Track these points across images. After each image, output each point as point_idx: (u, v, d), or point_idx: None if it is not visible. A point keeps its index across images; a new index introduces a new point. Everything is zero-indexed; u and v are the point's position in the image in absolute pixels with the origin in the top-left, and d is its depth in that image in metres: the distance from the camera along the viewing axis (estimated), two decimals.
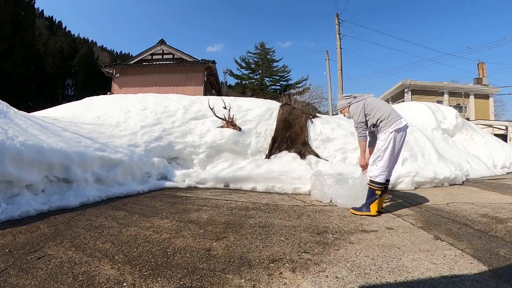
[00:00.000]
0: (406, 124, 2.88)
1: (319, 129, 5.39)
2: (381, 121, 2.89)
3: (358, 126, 2.97)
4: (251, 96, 22.06)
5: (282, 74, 29.33)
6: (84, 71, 41.91)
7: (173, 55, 17.37)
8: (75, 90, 43.10)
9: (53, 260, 1.57)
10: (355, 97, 3.14)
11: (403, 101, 20.26)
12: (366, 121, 2.96)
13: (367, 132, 2.99)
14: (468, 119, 17.45)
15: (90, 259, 1.59)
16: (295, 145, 5.19)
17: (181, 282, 1.40)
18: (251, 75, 29.46)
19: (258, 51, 29.59)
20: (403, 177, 4.54)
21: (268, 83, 29.05)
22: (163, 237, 1.99)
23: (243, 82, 30.61)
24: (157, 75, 15.93)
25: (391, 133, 2.80)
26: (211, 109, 5.28)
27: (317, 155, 5.05)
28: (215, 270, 1.54)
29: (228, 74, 30.29)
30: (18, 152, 2.49)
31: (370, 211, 2.78)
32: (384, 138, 2.83)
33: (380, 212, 2.82)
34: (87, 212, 2.57)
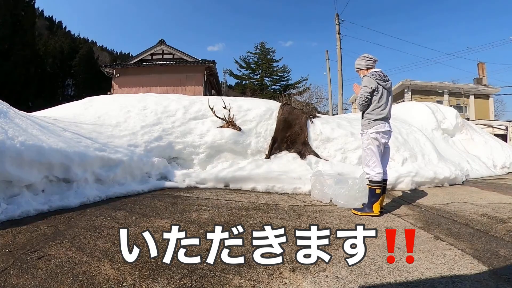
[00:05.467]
0: (389, 130, 2.98)
1: (319, 129, 5.38)
2: (370, 114, 2.94)
3: (361, 96, 2.96)
4: (251, 96, 22.05)
5: (282, 74, 29.38)
6: (84, 71, 41.88)
7: (173, 55, 17.38)
8: (75, 90, 43.07)
9: (53, 260, 1.57)
10: (375, 61, 3.06)
11: (403, 101, 20.25)
12: (370, 99, 2.95)
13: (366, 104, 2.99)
14: (468, 119, 17.44)
15: (90, 259, 1.59)
16: (295, 145, 5.19)
17: (181, 282, 1.40)
18: (251, 75, 29.48)
19: (258, 51, 29.62)
20: (403, 177, 4.54)
21: (268, 83, 29.07)
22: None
23: (243, 82, 30.63)
24: (157, 75, 15.94)
25: (371, 133, 2.92)
26: (211, 109, 5.28)
27: (317, 155, 5.05)
28: (215, 270, 1.54)
29: (228, 74, 30.36)
30: (18, 152, 2.48)
31: (372, 211, 2.79)
32: (366, 138, 2.96)
33: (380, 212, 2.83)
34: (87, 212, 2.57)
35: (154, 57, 17.35)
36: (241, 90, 29.83)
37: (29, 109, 6.07)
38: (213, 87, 19.93)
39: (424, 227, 2.46)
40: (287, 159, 4.93)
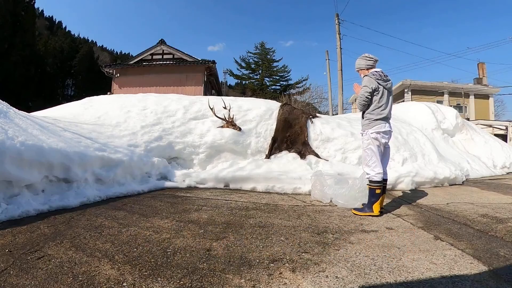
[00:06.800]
0: (389, 130, 2.98)
1: (319, 129, 5.38)
2: (370, 113, 2.94)
3: (361, 96, 2.95)
4: (251, 96, 22.06)
5: (282, 74, 29.38)
6: (84, 71, 41.92)
7: (173, 55, 17.38)
8: (75, 90, 43.14)
9: (53, 260, 1.57)
10: (376, 61, 3.06)
11: (403, 101, 20.25)
12: (370, 99, 2.95)
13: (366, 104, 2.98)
14: (468, 119, 17.45)
15: (90, 259, 1.59)
16: (295, 145, 5.19)
17: (181, 282, 1.40)
18: (251, 75, 29.48)
19: (258, 51, 29.62)
20: (403, 177, 4.54)
21: (268, 83, 29.06)
22: (163, 237, 1.99)
23: (243, 82, 30.63)
24: (157, 75, 15.95)
25: (371, 133, 2.92)
26: (211, 109, 5.28)
27: (317, 155, 5.05)
28: (215, 270, 1.54)
29: (228, 74, 30.35)
30: (18, 152, 2.48)
31: (372, 211, 2.79)
32: (366, 138, 2.96)
33: (380, 212, 2.83)
34: (87, 212, 2.57)
35: (154, 57, 17.35)
36: (241, 90, 29.84)
37: (29, 109, 6.07)
38: (213, 87, 19.93)
39: (424, 227, 2.46)
40: (287, 159, 4.93)
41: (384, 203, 3.06)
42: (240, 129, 5.10)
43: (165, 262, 1.61)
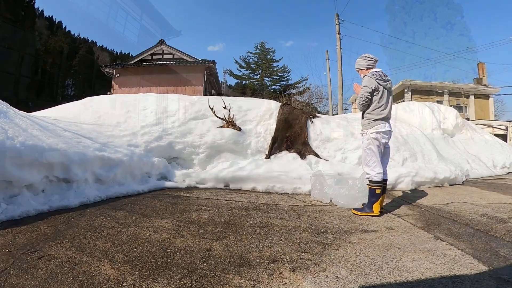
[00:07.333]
0: (389, 130, 2.97)
1: (319, 129, 5.39)
2: (370, 114, 2.94)
3: (361, 96, 2.95)
4: (251, 96, 22.04)
5: (282, 74, 29.43)
6: (84, 71, 41.90)
7: (173, 55, 17.38)
8: (75, 90, 43.08)
9: (53, 260, 1.57)
10: (376, 61, 3.06)
11: (403, 101, 20.22)
12: (370, 99, 2.94)
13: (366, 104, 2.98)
14: (468, 119, 17.45)
15: (90, 259, 1.59)
16: (295, 145, 5.19)
17: (181, 282, 1.40)
18: (251, 75, 29.54)
19: (258, 51, 29.67)
20: (403, 177, 4.54)
21: (268, 83, 29.11)
22: (163, 237, 1.99)
23: (243, 82, 30.67)
24: (157, 75, 15.95)
25: (371, 133, 2.92)
26: (211, 109, 5.28)
27: (317, 155, 5.05)
28: (215, 270, 1.54)
29: (228, 74, 30.42)
30: (18, 152, 2.49)
31: (372, 211, 2.79)
32: (366, 138, 2.97)
33: (380, 212, 2.83)
34: (87, 212, 2.57)
35: (154, 57, 17.35)
36: (241, 90, 29.84)
37: (29, 109, 6.07)
38: (213, 87, 19.93)
39: (424, 227, 2.46)
40: (287, 159, 4.93)
41: (384, 203, 3.06)
42: (240, 129, 5.10)
43: (165, 262, 1.61)
